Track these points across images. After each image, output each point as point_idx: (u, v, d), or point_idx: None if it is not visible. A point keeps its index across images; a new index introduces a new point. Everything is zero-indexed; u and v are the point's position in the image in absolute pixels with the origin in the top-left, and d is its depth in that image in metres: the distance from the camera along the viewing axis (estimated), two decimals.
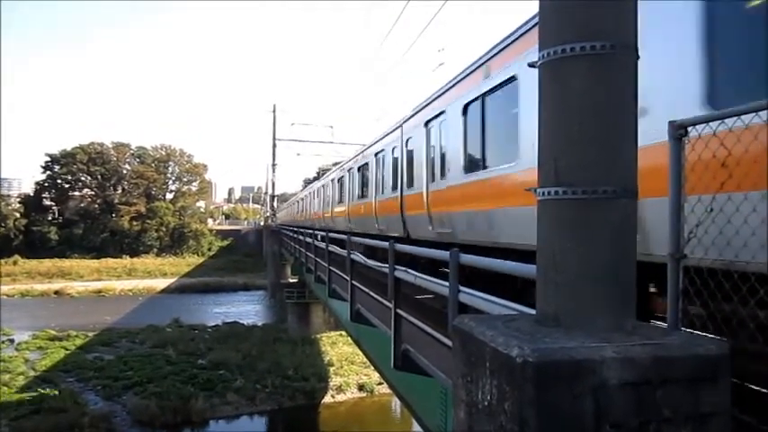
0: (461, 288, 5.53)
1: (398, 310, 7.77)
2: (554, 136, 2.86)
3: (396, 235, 12.28)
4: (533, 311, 3.15)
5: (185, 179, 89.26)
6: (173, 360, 32.00)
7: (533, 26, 6.53)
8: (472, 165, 8.81)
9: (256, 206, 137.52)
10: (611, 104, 2.72)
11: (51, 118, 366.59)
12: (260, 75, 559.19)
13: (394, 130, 13.65)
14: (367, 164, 16.43)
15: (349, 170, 19.40)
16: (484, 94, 8.33)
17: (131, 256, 75.65)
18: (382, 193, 14.32)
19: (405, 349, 7.73)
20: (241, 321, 44.18)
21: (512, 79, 7.30)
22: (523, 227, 6.33)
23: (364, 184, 16.93)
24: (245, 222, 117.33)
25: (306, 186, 48.89)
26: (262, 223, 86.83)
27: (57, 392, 26.20)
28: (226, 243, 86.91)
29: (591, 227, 2.74)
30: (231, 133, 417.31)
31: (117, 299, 58.04)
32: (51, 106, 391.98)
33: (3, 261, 67.73)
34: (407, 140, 12.43)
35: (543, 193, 2.85)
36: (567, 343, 2.45)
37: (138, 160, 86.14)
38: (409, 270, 7.41)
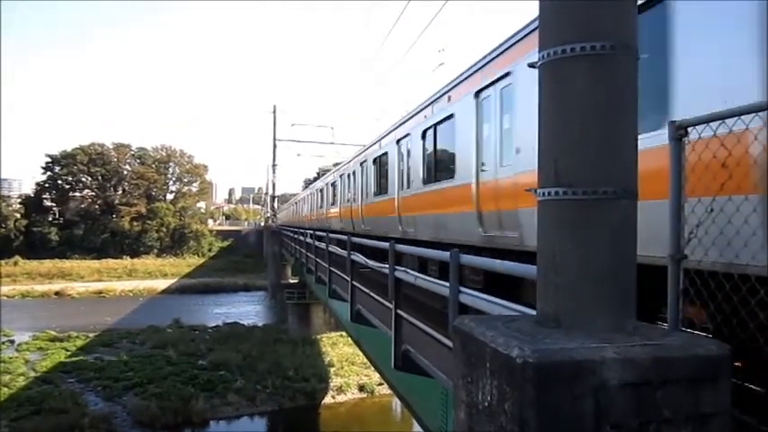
0: (462, 289, 5.53)
1: (399, 311, 7.77)
2: (554, 136, 2.86)
3: (350, 230, 18.33)
4: (534, 312, 3.15)
5: (186, 180, 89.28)
6: (173, 361, 31.98)
7: (392, 130, 13.93)
8: (376, 192, 15.42)
9: (257, 207, 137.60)
10: (612, 105, 2.72)
11: (51, 118, 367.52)
12: (260, 75, 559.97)
13: (348, 163, 21.04)
14: (336, 182, 23.19)
15: (327, 184, 26.45)
16: (379, 156, 15.16)
17: (132, 257, 75.63)
18: (343, 203, 21.00)
19: (405, 350, 7.72)
20: (241, 322, 44.15)
21: (385, 153, 14.41)
22: (392, 225, 13.10)
23: (335, 195, 23.53)
24: (246, 223, 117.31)
25: (305, 188, 51.70)
26: (262, 224, 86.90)
27: (57, 393, 26.18)
28: (226, 244, 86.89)
29: (591, 227, 2.73)
30: (231, 134, 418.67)
31: (117, 300, 58.02)
32: (51, 106, 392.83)
33: (3, 262, 67.74)
34: (353, 171, 18.98)
35: (543, 194, 2.85)
36: (567, 344, 2.45)
37: (138, 161, 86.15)
38: (409, 270, 7.42)
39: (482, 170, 8.20)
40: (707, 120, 2.88)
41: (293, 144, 52.76)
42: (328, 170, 33.08)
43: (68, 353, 34.12)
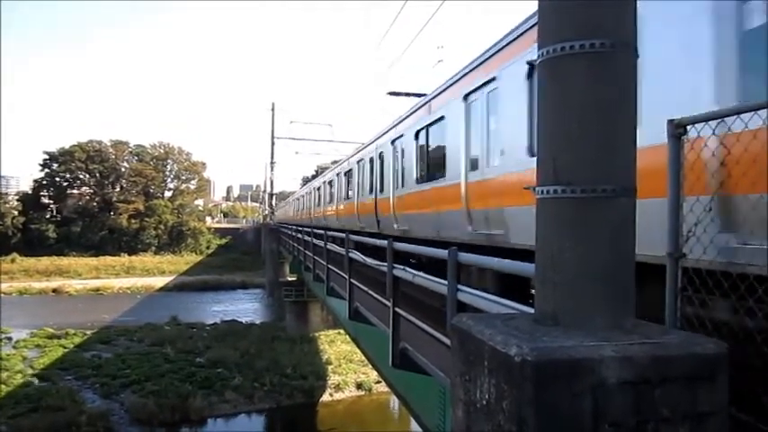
0: (460, 287, 5.52)
1: (397, 309, 7.76)
2: (553, 134, 2.85)
3: (335, 226, 21.51)
4: (532, 310, 3.15)
5: (184, 177, 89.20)
6: (171, 358, 31.96)
7: (340, 162, 22.57)
8: (349, 195, 19.54)
9: (255, 204, 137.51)
10: (611, 103, 2.71)
11: (51, 117, 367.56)
12: (259, 73, 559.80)
13: (324, 176, 26.58)
14: (321, 186, 27.17)
15: (308, 191, 33.14)
16: (345, 172, 20.30)
17: (130, 255, 75.58)
18: (325, 205, 25.29)
19: (403, 348, 7.72)
20: (239, 319, 44.14)
21: (350, 171, 19.17)
22: (362, 222, 16.70)
23: (318, 199, 27.92)
24: (244, 221, 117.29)
25: (303, 185, 52.82)
26: (260, 221, 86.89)
27: (55, 391, 26.16)
28: (224, 241, 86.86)
29: (590, 226, 2.73)
30: (230, 132, 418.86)
31: (115, 297, 57.96)
32: (51, 105, 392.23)
33: (1, 259, 67.69)
34: (330, 181, 23.91)
35: (542, 192, 2.84)
36: (565, 342, 2.45)
37: (136, 158, 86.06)
38: (407, 269, 7.41)
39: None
40: (706, 118, 2.88)
41: (292, 142, 52.78)
42: (327, 167, 35.44)
43: (66, 350, 34.07)
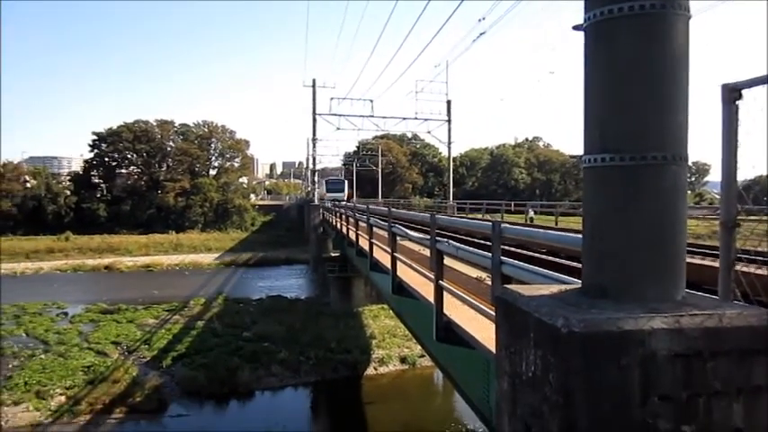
0: (504, 259, 5.47)
1: (441, 282, 7.74)
2: (601, 101, 2.76)
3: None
4: (579, 281, 3.09)
5: (228, 155, 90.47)
6: (218, 332, 32.64)
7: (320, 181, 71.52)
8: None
9: (298, 181, 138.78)
10: (662, 66, 2.61)
11: (101, 98, 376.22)
12: (301, 48, 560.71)
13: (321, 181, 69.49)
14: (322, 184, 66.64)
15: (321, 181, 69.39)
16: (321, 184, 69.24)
17: (177, 232, 77.18)
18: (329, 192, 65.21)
19: (447, 321, 7.71)
20: (284, 295, 44.77)
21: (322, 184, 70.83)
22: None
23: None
24: (287, 197, 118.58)
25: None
26: (303, 198, 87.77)
27: (109, 363, 27.10)
28: (268, 218, 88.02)
29: (639, 194, 2.65)
30: (273, 109, 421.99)
31: (164, 273, 59.45)
32: (102, 86, 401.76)
33: (55, 237, 70.22)
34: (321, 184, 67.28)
35: (589, 161, 2.77)
36: (613, 313, 2.40)
37: (181, 137, 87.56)
38: (451, 242, 7.37)
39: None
40: (763, 81, 2.75)
41: (333, 118, 52.74)
42: (367, 143, 43.30)
43: (119, 325, 35.15)
